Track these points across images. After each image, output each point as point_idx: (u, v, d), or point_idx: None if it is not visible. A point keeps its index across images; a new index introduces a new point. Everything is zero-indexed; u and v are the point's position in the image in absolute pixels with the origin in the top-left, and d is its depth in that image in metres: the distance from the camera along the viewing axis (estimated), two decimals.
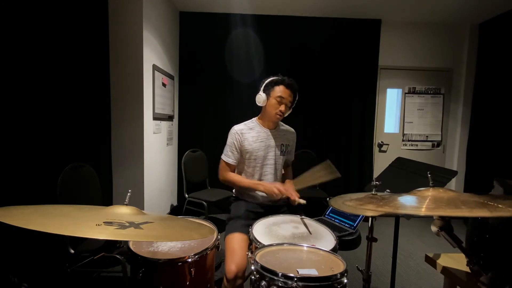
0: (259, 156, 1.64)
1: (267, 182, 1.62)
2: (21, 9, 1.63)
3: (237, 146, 1.63)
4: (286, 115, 1.67)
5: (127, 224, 0.81)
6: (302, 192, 1.56)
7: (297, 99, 1.67)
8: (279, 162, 1.70)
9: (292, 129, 1.81)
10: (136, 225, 0.82)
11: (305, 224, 1.43)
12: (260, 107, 1.69)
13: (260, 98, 1.62)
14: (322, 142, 3.79)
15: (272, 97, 1.60)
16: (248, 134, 1.64)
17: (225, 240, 1.47)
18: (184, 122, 3.78)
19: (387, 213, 1.13)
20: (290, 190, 1.53)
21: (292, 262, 1.04)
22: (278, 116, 1.61)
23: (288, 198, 1.57)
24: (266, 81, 1.63)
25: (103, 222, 0.79)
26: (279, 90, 1.58)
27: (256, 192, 1.66)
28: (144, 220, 0.88)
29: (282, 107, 1.59)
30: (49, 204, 0.93)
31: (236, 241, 1.42)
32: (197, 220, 1.42)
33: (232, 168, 1.67)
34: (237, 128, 1.66)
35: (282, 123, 1.79)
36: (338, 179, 1.55)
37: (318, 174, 1.58)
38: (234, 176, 1.65)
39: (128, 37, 2.55)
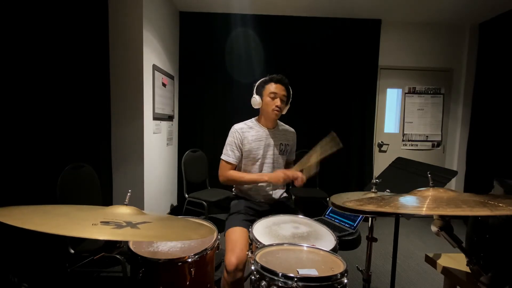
0: (258, 155, 1.65)
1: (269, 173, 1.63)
2: (20, 10, 1.63)
3: (238, 145, 1.63)
4: (284, 112, 1.68)
5: (124, 224, 0.80)
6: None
7: (291, 93, 1.69)
8: (278, 161, 1.71)
9: (292, 129, 1.81)
10: (133, 225, 0.81)
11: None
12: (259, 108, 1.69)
13: (255, 100, 1.65)
14: None
15: (265, 95, 1.63)
16: (247, 133, 1.65)
17: (225, 235, 1.49)
18: (184, 122, 3.78)
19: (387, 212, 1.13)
20: (294, 173, 1.56)
21: (292, 262, 1.04)
22: (275, 112, 1.61)
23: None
24: (257, 84, 1.68)
25: (100, 222, 0.78)
26: (271, 87, 1.61)
27: (256, 191, 1.66)
28: (142, 220, 0.87)
29: (278, 102, 1.60)
30: (49, 205, 0.93)
31: (236, 234, 1.43)
32: (197, 220, 1.42)
33: (233, 168, 1.66)
34: (237, 126, 1.67)
35: (281, 122, 1.79)
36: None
37: (322, 149, 1.58)
38: (235, 174, 1.64)
39: (128, 37, 2.55)
